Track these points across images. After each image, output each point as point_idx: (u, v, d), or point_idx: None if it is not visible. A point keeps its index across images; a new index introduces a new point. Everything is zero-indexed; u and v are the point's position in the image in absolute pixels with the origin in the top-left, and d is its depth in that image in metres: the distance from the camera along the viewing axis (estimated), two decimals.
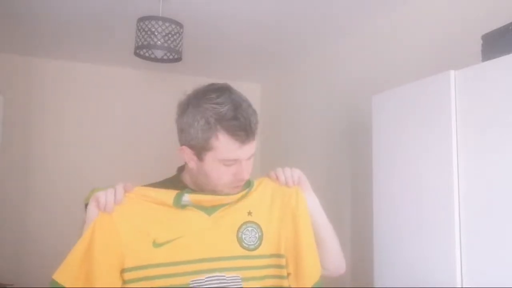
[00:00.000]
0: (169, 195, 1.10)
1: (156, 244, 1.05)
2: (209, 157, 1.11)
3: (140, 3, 2.58)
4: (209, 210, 1.11)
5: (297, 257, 1.13)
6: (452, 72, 1.70)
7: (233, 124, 1.07)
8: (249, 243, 1.11)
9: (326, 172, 3.19)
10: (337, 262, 1.27)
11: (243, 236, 1.11)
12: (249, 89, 4.30)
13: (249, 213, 1.14)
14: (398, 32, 2.66)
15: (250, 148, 1.13)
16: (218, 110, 1.08)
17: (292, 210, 1.16)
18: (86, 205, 3.96)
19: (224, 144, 1.09)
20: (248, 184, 1.17)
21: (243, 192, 1.15)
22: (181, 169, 1.27)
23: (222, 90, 1.12)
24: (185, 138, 1.14)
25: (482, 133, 1.58)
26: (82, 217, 3.67)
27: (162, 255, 1.05)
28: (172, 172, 1.31)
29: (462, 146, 1.65)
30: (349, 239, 2.83)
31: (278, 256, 1.13)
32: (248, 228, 1.12)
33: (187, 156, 1.16)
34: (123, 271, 1.03)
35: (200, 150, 1.12)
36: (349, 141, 3.02)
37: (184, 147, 1.15)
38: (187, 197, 1.10)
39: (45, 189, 3.66)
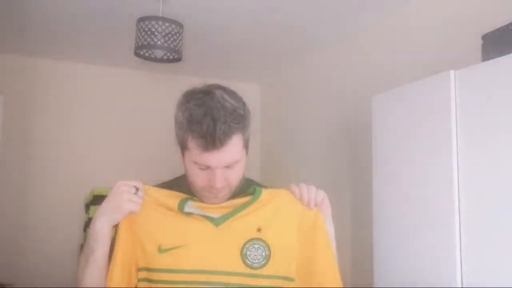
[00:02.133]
0: (173, 200, 1.09)
1: (161, 250, 1.05)
2: (186, 156, 1.10)
3: (140, 3, 2.58)
4: (217, 220, 1.08)
5: (312, 283, 1.08)
6: (452, 72, 1.70)
7: (195, 129, 1.04)
8: (253, 261, 1.06)
9: (326, 172, 3.19)
10: None
11: (248, 252, 1.06)
12: (249, 89, 4.34)
13: (259, 230, 1.08)
14: (398, 32, 2.66)
15: (221, 157, 1.05)
16: (190, 112, 1.05)
17: (310, 236, 1.10)
18: (86, 205, 4.00)
19: (193, 147, 1.06)
20: (254, 191, 1.12)
21: (248, 199, 1.11)
22: None
23: (207, 92, 1.08)
24: (175, 133, 1.13)
25: (482, 133, 1.58)
26: (82, 217, 3.66)
27: (165, 261, 1.05)
28: (173, 171, 1.31)
29: (462, 146, 1.65)
30: (349, 239, 2.83)
31: (286, 278, 1.08)
32: (255, 246, 1.07)
33: (177, 146, 1.17)
34: (137, 269, 1.07)
35: (181, 147, 1.11)
36: (349, 141, 3.02)
37: (176, 139, 1.16)
38: (191, 205, 1.09)
39: (45, 189, 3.66)
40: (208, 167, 1.07)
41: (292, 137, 3.82)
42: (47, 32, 3.14)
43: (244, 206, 1.09)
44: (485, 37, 1.71)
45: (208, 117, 1.03)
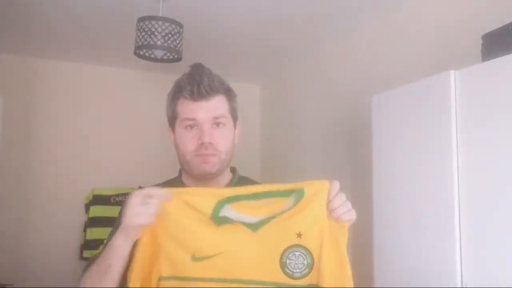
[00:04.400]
0: (208, 206, 1.00)
1: (195, 258, 0.98)
2: (176, 125, 1.19)
3: (140, 3, 2.58)
4: (254, 225, 0.99)
5: None
6: (452, 72, 1.70)
7: (184, 83, 1.15)
8: (293, 270, 0.98)
9: (326, 172, 3.19)
10: None
11: (288, 261, 0.98)
12: (249, 89, 4.34)
13: (299, 235, 0.99)
14: (398, 32, 2.66)
15: (207, 107, 1.14)
16: (179, 80, 1.19)
17: (336, 246, 1.03)
18: (86, 205, 4.00)
19: (182, 105, 1.16)
20: (296, 192, 1.01)
21: (288, 201, 1.01)
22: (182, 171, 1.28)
23: (194, 66, 1.19)
24: (167, 117, 1.23)
25: (482, 133, 1.58)
26: (82, 217, 3.65)
27: (200, 270, 0.98)
28: (172, 171, 1.32)
29: (462, 146, 1.65)
30: (349, 239, 2.83)
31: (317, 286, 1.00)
32: (295, 253, 0.99)
33: (169, 135, 1.23)
34: (160, 278, 0.98)
35: (172, 121, 1.20)
36: (349, 141, 3.02)
37: (168, 128, 1.24)
38: (228, 209, 1.00)
39: (45, 189, 3.66)
40: (194, 122, 1.14)
41: (292, 137, 3.82)
42: (47, 32, 3.14)
43: (284, 209, 1.00)
44: (485, 37, 1.71)
45: (196, 75, 1.15)
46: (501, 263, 1.49)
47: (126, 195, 1.05)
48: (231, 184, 1.24)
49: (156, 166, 3.11)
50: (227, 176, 1.26)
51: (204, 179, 1.19)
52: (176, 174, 1.30)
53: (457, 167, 1.65)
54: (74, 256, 3.63)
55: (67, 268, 3.47)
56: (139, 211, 0.97)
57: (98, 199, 3.66)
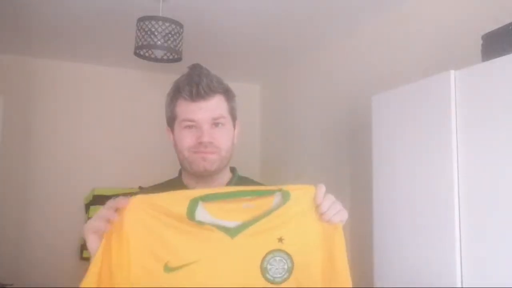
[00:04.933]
0: (181, 205, 0.96)
1: (168, 268, 0.93)
2: (176, 125, 1.19)
3: (140, 3, 2.58)
4: (233, 231, 0.96)
5: None
6: (452, 72, 1.69)
7: (183, 84, 1.16)
8: (274, 275, 0.97)
9: (326, 172, 3.19)
10: None
11: (269, 266, 0.97)
12: (249, 89, 4.34)
13: (280, 240, 0.98)
14: (398, 32, 2.66)
15: (206, 107, 1.14)
16: (177, 81, 1.19)
17: (332, 248, 1.02)
18: (86, 205, 4.01)
19: (181, 106, 1.16)
20: (281, 193, 0.99)
21: (271, 204, 0.99)
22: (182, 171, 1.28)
23: (193, 67, 1.19)
24: (166, 117, 1.23)
25: (482, 133, 1.58)
26: (82, 217, 3.65)
27: (174, 281, 0.93)
28: (172, 171, 1.32)
29: (462, 146, 1.65)
30: (349, 239, 2.83)
31: None
32: (276, 258, 0.97)
33: (168, 135, 1.24)
34: None
35: (171, 121, 1.21)
36: (349, 141, 3.02)
37: (167, 128, 1.24)
38: (203, 209, 0.97)
39: (45, 189, 3.66)
40: (193, 123, 1.15)
41: (292, 137, 3.82)
42: (47, 32, 3.14)
43: (265, 213, 0.98)
44: (485, 37, 1.71)
45: (194, 76, 1.15)
46: (501, 263, 1.49)
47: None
48: (230, 184, 1.24)
49: (156, 166, 3.10)
50: (226, 175, 1.26)
51: (203, 177, 1.19)
52: (176, 174, 1.30)
53: (457, 167, 1.65)
54: (74, 256, 3.63)
55: (67, 268, 3.47)
56: (97, 214, 0.96)
57: (98, 199, 3.66)
